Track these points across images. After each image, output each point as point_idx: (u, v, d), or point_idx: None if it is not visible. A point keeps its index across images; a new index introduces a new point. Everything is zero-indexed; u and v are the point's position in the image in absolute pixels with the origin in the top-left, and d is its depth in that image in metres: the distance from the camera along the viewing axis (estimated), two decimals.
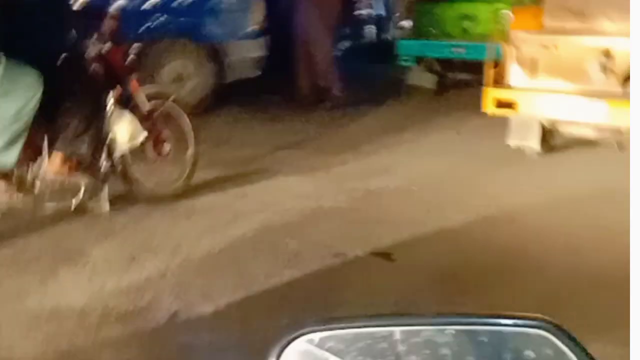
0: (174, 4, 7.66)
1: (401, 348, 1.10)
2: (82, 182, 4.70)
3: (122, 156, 4.90)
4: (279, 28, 8.33)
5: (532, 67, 5.79)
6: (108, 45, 4.78)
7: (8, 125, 4.30)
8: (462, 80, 8.51)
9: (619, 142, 5.60)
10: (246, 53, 7.91)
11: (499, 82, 5.89)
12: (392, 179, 5.66)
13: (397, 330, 1.11)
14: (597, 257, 4.16)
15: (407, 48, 8.73)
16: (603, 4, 5.57)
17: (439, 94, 8.82)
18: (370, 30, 14.39)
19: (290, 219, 4.85)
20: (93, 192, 4.78)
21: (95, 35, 4.73)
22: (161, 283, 3.91)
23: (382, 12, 14.36)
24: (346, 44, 10.88)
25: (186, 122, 5.27)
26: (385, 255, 4.28)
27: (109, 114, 4.81)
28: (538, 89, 5.77)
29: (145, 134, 4.95)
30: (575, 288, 3.78)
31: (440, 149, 6.63)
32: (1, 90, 4.24)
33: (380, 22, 14.71)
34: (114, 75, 4.84)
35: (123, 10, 6.15)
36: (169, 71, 7.63)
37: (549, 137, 6.05)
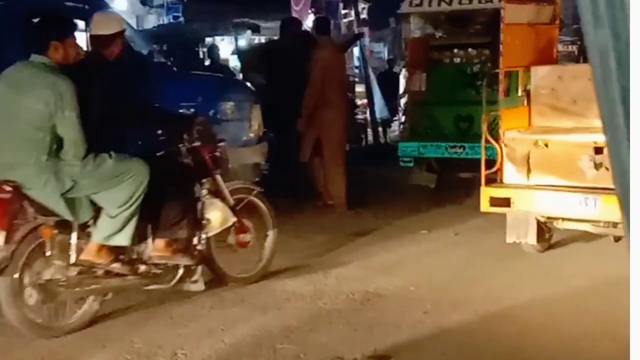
0: None
1: None
2: (182, 263, 5.12)
3: (209, 240, 5.37)
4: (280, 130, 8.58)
5: (525, 165, 5.89)
6: (197, 143, 5.34)
7: (124, 209, 4.78)
8: (461, 178, 8.68)
9: (615, 235, 5.63)
10: (247, 159, 8.02)
11: (495, 180, 6.00)
12: (392, 280, 5.65)
13: None
14: (598, 353, 4.11)
15: (407, 149, 8.95)
16: (590, 101, 5.70)
17: (439, 193, 8.98)
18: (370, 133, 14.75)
19: (289, 322, 4.82)
20: (189, 274, 5.18)
21: (187, 135, 5.31)
22: None
23: (385, 115, 14.71)
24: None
25: (267, 213, 5.84)
26: (384, 358, 4.23)
27: (202, 203, 5.34)
28: (532, 186, 5.84)
29: (234, 218, 5.47)
30: None
31: (440, 247, 6.65)
32: (116, 180, 4.75)
33: (383, 125, 15.06)
34: (203, 169, 5.40)
35: None
36: None
37: (546, 232, 6.09)
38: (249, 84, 9.12)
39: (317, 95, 8.14)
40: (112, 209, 4.76)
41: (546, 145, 5.82)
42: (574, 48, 18.77)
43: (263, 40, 14.68)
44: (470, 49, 9.02)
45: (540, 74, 6.38)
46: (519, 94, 6.43)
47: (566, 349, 4.24)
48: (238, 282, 5.57)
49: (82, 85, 4.62)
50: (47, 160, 4.57)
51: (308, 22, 14.24)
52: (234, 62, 14.24)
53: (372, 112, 14.54)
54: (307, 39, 9.00)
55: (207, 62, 12.97)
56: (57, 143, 4.61)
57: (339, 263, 6.17)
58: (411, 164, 9.01)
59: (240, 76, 11.38)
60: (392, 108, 13.92)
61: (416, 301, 5.17)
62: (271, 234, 5.85)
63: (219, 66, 12.37)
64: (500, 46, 6.06)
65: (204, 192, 5.36)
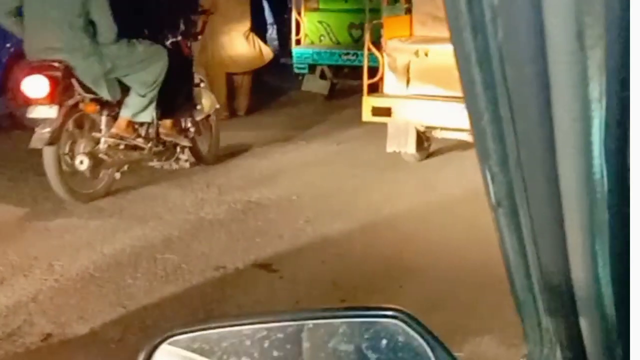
0: None
1: (265, 344, 1.11)
2: (181, 143, 5.94)
3: (197, 123, 6.14)
4: None
5: (405, 74, 5.94)
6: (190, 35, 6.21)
7: (149, 90, 5.49)
8: (353, 86, 8.75)
9: None
10: None
11: (377, 90, 6.05)
12: (273, 189, 5.67)
13: (260, 328, 1.13)
14: (473, 257, 4.28)
15: (301, 56, 8.95)
16: None
17: (330, 100, 9.07)
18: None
19: (170, 232, 4.78)
20: (182, 153, 6.02)
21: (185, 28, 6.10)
22: None
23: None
24: None
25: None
26: (266, 266, 4.27)
27: (198, 90, 6.17)
28: (412, 96, 5.91)
29: (218, 105, 6.49)
30: (453, 288, 3.88)
31: (322, 157, 6.69)
32: (145, 63, 5.44)
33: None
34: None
35: None
36: None
37: (424, 142, 6.23)
38: None
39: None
40: (142, 89, 5.48)
41: (426, 55, 5.87)
42: None
43: None
44: None
45: None
46: (402, 2, 6.44)
47: (441, 254, 4.38)
48: (207, 162, 6.27)
49: None
50: (90, 44, 5.21)
51: None
52: None
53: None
54: None
55: None
56: (93, 28, 5.25)
57: (220, 173, 6.13)
58: (305, 71, 9.03)
59: None
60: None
61: (297, 210, 5.21)
62: (213, 116, 6.44)
63: None
64: None
65: (198, 80, 6.22)
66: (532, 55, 0.85)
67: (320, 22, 9.03)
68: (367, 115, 6.01)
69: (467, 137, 5.92)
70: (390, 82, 6.00)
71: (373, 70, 6.12)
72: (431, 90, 5.82)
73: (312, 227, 4.86)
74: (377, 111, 5.93)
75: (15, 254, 4.39)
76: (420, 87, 5.87)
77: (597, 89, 0.84)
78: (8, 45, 7.16)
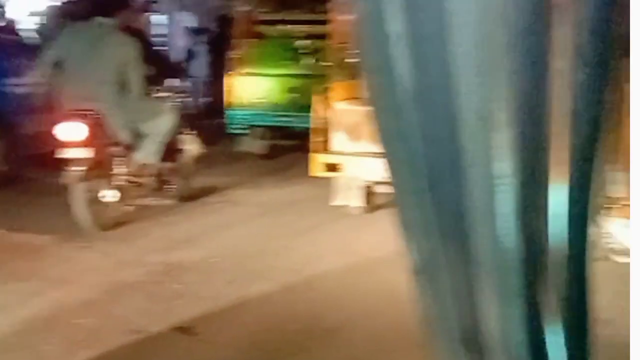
0: None
1: None
2: (173, 181, 7.00)
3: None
4: None
5: (352, 133, 6.33)
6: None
7: (162, 137, 6.59)
8: (293, 146, 8.97)
9: None
10: None
11: (324, 148, 6.46)
12: (194, 251, 5.63)
13: None
14: (392, 319, 4.32)
15: (237, 117, 9.24)
16: None
17: (269, 159, 9.31)
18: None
19: (87, 295, 4.68)
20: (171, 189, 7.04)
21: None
22: None
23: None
24: None
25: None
26: (186, 330, 4.22)
27: (184, 136, 7.14)
28: (358, 153, 6.27)
29: (204, 150, 7.41)
30: (375, 348, 3.91)
31: (247, 217, 6.71)
32: (162, 114, 6.65)
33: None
34: None
35: None
36: None
37: (371, 197, 6.64)
38: None
39: None
40: (157, 136, 6.44)
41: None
42: None
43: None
44: (302, 25, 9.26)
45: None
46: (348, 68, 6.78)
47: (360, 315, 4.41)
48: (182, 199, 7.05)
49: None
50: (121, 97, 6.14)
51: None
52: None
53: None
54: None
55: None
56: (126, 83, 6.18)
57: (140, 234, 6.07)
58: (244, 131, 9.31)
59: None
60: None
61: (219, 272, 5.18)
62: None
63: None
64: (331, 23, 6.48)
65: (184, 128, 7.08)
66: (447, 135, 0.91)
67: (258, 85, 9.30)
68: (315, 171, 6.44)
69: None
70: (338, 141, 6.40)
71: (307, 131, 6.62)
72: (377, 148, 6.06)
73: (232, 289, 4.84)
74: (325, 167, 6.38)
75: None
76: (367, 145, 6.15)
77: (507, 166, 0.90)
78: None
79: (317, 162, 6.44)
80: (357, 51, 1.05)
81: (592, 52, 0.87)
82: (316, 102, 6.58)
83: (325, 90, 6.65)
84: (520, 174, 0.84)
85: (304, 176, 6.78)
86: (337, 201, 6.51)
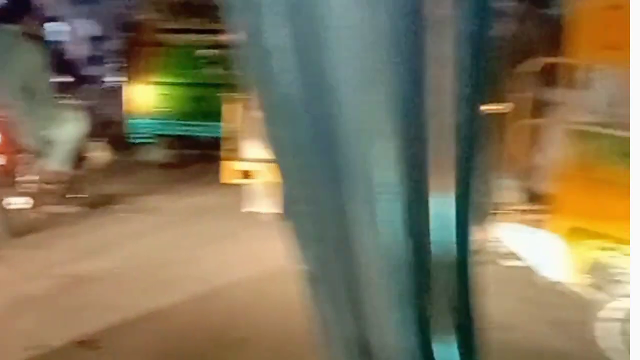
0: None
1: None
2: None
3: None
4: None
5: (262, 140, 6.26)
6: None
7: (71, 144, 6.71)
8: (199, 155, 8.88)
9: None
10: None
11: (236, 155, 6.46)
12: (102, 262, 5.53)
13: None
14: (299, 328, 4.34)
15: (140, 126, 9.06)
16: None
17: (176, 167, 9.11)
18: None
19: None
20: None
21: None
22: None
23: None
24: None
25: None
26: (90, 343, 4.14)
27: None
28: (271, 160, 6.21)
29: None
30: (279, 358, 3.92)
31: (153, 227, 6.62)
32: (70, 121, 6.69)
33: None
34: None
35: None
36: None
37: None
38: None
39: None
40: (66, 143, 6.51)
41: None
42: None
43: None
44: (205, 34, 9.17)
45: None
46: None
47: (268, 323, 4.42)
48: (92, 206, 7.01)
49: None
50: (28, 103, 6.19)
51: None
52: None
53: None
54: None
55: None
56: (34, 90, 6.25)
57: (48, 243, 5.93)
58: (150, 141, 9.13)
59: None
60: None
61: (128, 282, 5.10)
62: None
63: None
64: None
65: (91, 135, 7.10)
66: (331, 145, 0.93)
67: (160, 93, 9.16)
68: (227, 178, 6.44)
69: None
70: (250, 148, 6.37)
71: (213, 140, 6.69)
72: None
73: (141, 300, 4.77)
74: (238, 174, 6.39)
75: None
76: None
77: (390, 176, 0.93)
78: None
79: (230, 169, 6.45)
80: (243, 64, 1.06)
81: (473, 65, 0.90)
82: (227, 110, 6.58)
83: (235, 98, 6.60)
84: (403, 184, 0.87)
85: (214, 184, 6.79)
86: (249, 208, 6.54)
